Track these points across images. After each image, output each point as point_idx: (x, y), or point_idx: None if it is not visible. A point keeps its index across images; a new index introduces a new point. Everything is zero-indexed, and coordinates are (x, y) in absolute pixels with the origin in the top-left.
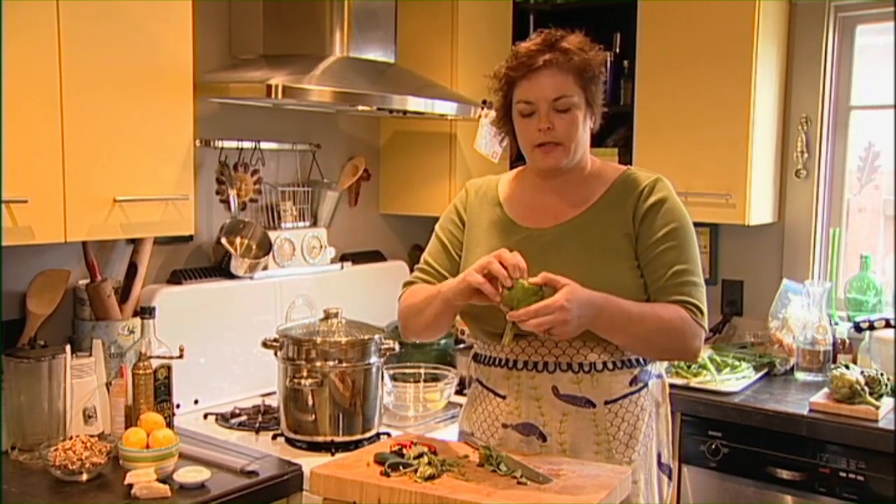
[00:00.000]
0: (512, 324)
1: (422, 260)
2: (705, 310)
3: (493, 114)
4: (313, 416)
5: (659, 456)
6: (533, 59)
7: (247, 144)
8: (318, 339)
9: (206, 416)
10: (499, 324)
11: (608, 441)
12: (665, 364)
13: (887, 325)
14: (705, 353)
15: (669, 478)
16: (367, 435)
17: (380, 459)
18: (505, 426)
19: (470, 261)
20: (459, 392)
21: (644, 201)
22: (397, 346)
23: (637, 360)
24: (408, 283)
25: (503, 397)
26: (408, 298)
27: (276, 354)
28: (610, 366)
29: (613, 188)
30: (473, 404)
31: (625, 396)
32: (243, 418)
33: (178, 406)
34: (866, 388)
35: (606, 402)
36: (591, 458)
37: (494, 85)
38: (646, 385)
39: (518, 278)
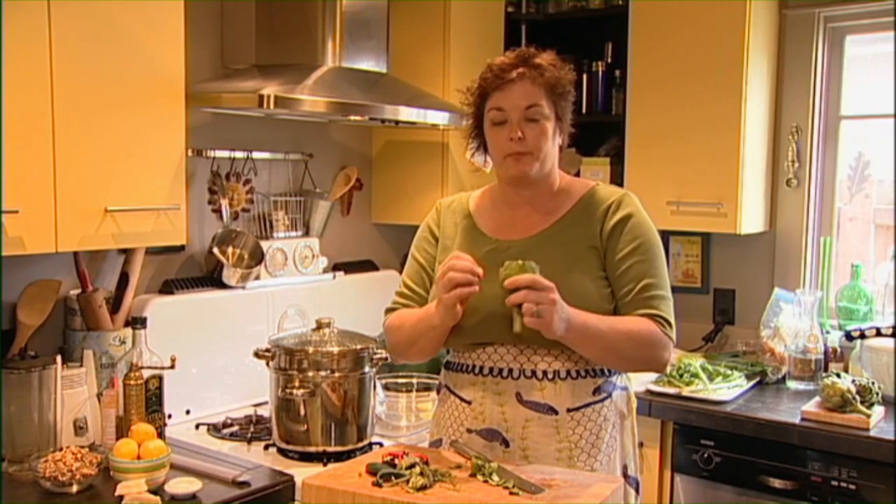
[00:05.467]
0: (517, 308)
1: (401, 283)
2: (673, 322)
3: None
4: (305, 427)
5: (625, 468)
6: (506, 72)
7: (239, 154)
8: (310, 349)
9: (197, 427)
10: (485, 335)
11: (570, 449)
12: (631, 377)
13: (878, 333)
14: (697, 362)
15: (637, 491)
16: (360, 445)
17: (372, 470)
18: (469, 431)
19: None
20: None
21: (611, 217)
22: (389, 356)
23: (601, 371)
24: (390, 310)
25: (468, 402)
26: (394, 323)
27: (268, 364)
28: (574, 374)
29: (581, 203)
30: (441, 409)
31: (588, 405)
32: (235, 429)
33: (169, 416)
34: (857, 397)
35: (569, 410)
36: (552, 465)
37: (467, 99)
38: (609, 396)
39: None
